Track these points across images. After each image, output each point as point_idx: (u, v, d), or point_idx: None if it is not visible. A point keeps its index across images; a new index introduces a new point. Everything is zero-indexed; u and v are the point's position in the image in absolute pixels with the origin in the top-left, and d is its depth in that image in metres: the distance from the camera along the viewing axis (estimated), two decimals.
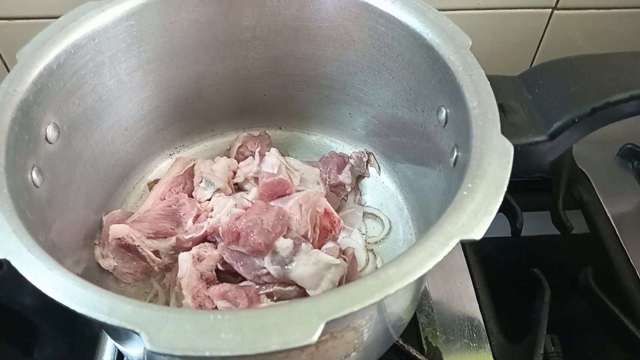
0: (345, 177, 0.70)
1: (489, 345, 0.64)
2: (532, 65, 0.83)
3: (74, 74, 0.56)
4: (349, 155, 0.74)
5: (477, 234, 0.39)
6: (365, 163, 0.74)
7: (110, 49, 0.58)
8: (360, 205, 0.71)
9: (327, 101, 0.73)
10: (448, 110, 0.55)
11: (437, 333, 0.64)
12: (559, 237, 0.80)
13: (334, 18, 0.63)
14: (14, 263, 0.37)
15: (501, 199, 0.41)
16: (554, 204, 0.78)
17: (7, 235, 0.39)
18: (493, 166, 0.43)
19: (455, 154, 0.52)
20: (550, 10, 0.75)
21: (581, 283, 0.71)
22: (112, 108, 0.63)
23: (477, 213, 0.40)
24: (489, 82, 0.49)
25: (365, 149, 0.75)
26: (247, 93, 0.73)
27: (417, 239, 0.64)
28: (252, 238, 0.54)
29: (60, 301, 0.36)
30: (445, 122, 0.55)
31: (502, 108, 0.50)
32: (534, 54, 0.80)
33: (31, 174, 0.49)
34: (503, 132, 0.46)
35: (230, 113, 0.76)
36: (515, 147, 0.46)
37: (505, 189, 0.42)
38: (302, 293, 0.57)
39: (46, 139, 0.53)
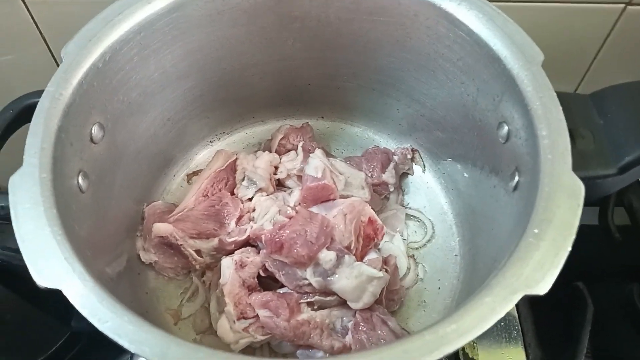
0: (389, 176, 0.68)
1: (526, 358, 0.63)
2: (589, 70, 0.77)
3: (119, 70, 0.54)
4: (393, 151, 0.71)
5: (543, 288, 0.37)
6: (409, 160, 0.71)
7: (155, 42, 0.56)
8: (403, 206, 0.69)
9: (374, 94, 0.70)
10: (510, 128, 0.51)
11: (474, 344, 0.63)
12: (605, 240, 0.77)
13: (390, 13, 0.59)
14: (66, 294, 0.37)
15: (569, 248, 0.39)
16: (602, 213, 0.75)
17: (60, 262, 0.38)
18: (562, 209, 0.40)
19: (516, 178, 0.49)
20: (623, 5, 0.69)
21: (625, 299, 0.69)
22: (156, 100, 0.61)
23: (543, 264, 0.38)
24: (561, 108, 0.46)
25: (411, 146, 0.72)
26: (292, 82, 0.70)
27: (469, 277, 0.62)
28: (295, 250, 0.53)
29: (110, 336, 0.36)
30: (507, 140, 0.52)
31: (570, 133, 0.46)
32: (595, 54, 0.74)
33: (77, 181, 0.48)
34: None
35: (272, 101, 0.73)
36: (581, 179, 0.43)
37: (574, 236, 0.40)
38: (343, 302, 0.57)
39: (91, 140, 0.52)
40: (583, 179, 0.43)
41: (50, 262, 0.38)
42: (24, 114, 0.55)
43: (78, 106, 0.48)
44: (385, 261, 0.60)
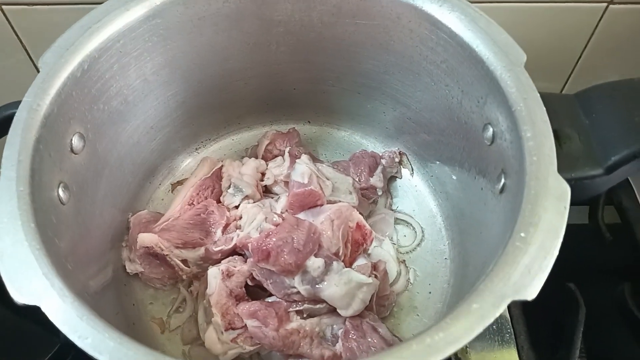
0: (376, 180, 0.68)
1: None
2: (574, 69, 0.77)
3: (99, 78, 0.53)
4: (381, 155, 0.70)
5: (531, 293, 0.37)
6: (397, 164, 0.71)
7: (135, 49, 0.55)
8: (392, 210, 0.69)
9: (360, 98, 0.70)
10: (495, 130, 0.51)
11: (467, 348, 0.63)
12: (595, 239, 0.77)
13: (372, 16, 0.58)
14: (45, 310, 0.36)
15: (557, 252, 0.39)
16: (592, 212, 0.75)
17: (38, 278, 0.37)
18: (549, 213, 0.40)
19: (502, 180, 0.49)
20: (605, 4, 0.69)
21: (617, 298, 0.69)
22: (138, 108, 0.60)
23: (531, 269, 0.38)
24: (545, 109, 0.46)
25: (398, 149, 0.72)
26: (277, 87, 0.70)
27: (459, 282, 0.61)
28: (282, 258, 0.53)
29: (90, 353, 0.35)
30: (492, 142, 0.52)
31: (556, 134, 0.46)
32: (580, 53, 0.74)
33: (57, 192, 0.47)
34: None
35: (258, 106, 0.73)
36: (569, 181, 0.43)
37: (561, 239, 0.39)
38: (332, 309, 0.56)
39: (71, 150, 0.51)
40: (570, 180, 0.43)
41: (29, 278, 0.37)
42: (1, 125, 0.54)
43: (57, 116, 0.48)
44: (374, 266, 0.59)
